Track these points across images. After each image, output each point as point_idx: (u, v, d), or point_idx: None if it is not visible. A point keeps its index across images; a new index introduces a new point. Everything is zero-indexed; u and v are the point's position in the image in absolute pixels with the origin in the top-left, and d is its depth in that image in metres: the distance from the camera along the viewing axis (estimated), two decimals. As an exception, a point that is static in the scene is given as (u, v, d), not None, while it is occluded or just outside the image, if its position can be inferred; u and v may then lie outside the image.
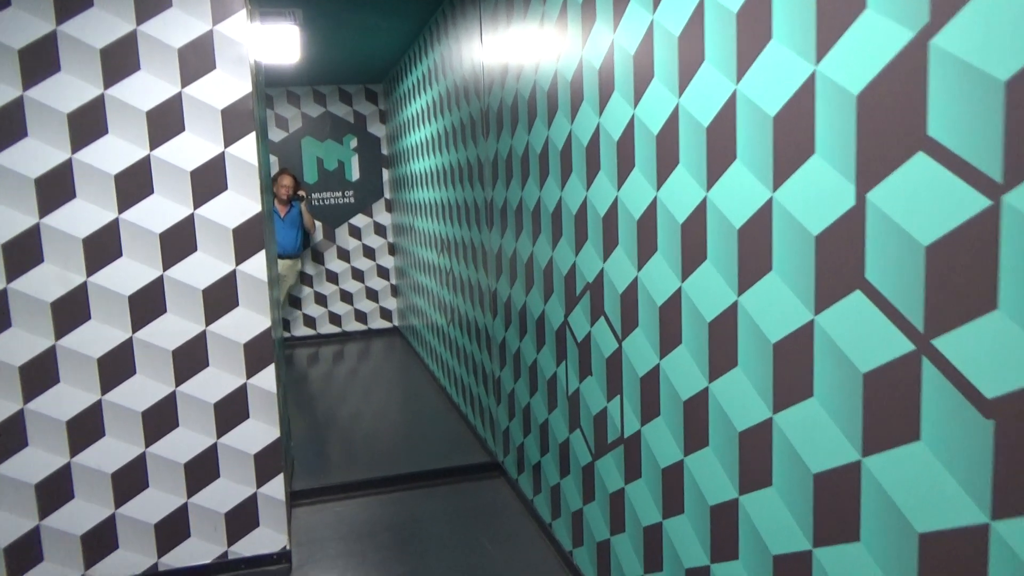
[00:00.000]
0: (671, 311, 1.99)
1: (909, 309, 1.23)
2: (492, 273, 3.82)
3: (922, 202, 1.19)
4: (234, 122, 2.85)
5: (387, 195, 7.95)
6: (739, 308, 1.69)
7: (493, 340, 3.90)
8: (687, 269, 1.89)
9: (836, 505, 1.43)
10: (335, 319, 7.97)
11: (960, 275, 1.13)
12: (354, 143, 7.83)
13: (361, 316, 8.06)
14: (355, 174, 7.87)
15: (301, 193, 7.03)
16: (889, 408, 1.28)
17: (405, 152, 6.56)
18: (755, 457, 1.68)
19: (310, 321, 7.86)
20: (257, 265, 2.92)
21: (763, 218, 1.57)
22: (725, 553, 1.83)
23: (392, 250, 7.99)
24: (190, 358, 2.90)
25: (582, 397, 2.67)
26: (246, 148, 2.86)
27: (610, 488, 2.48)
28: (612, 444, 2.43)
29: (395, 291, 8.04)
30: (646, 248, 2.09)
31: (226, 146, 2.85)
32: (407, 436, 4.60)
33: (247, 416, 2.98)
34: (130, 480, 2.91)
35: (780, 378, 1.56)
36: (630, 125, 2.13)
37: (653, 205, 2.03)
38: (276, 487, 3.05)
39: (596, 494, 2.61)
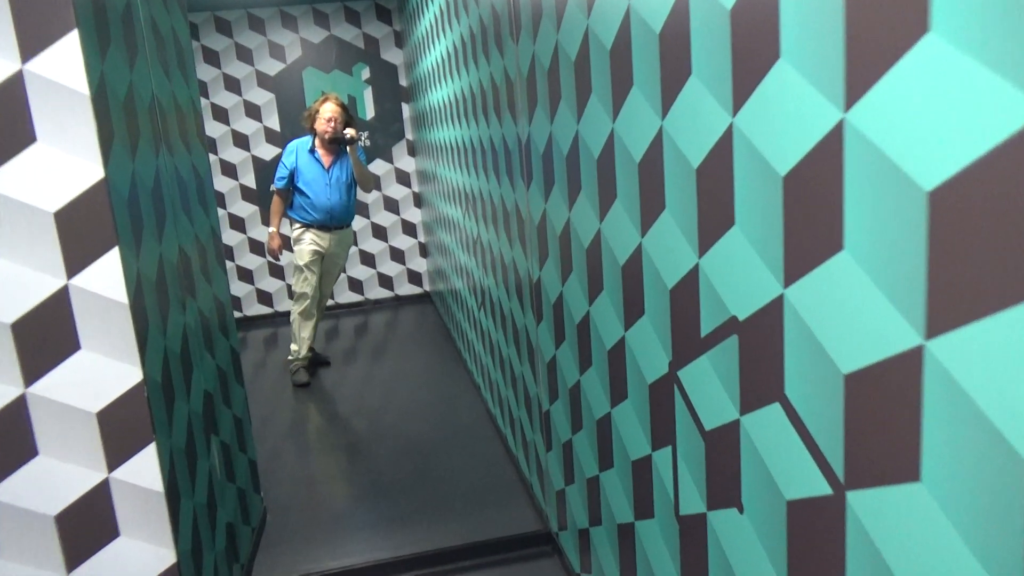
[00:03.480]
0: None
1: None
2: (532, 253, 2.47)
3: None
4: (35, 14, 1.52)
5: (408, 135, 6.58)
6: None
7: (537, 353, 2.58)
8: None
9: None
10: (355, 285, 6.74)
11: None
12: (366, 73, 6.44)
13: (386, 281, 6.82)
14: (369, 111, 6.50)
15: (352, 133, 4.44)
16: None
17: (423, 80, 5.16)
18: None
19: (326, 290, 6.65)
20: (107, 275, 1.63)
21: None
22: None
23: (418, 202, 6.66)
24: (2, 442, 1.66)
25: (714, 534, 1.34)
26: (65, 60, 1.55)
27: None
28: None
29: (424, 250, 6.75)
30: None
31: (24, 60, 1.54)
32: (428, 473, 3.35)
33: (115, 533, 1.74)
34: (-76, 647, 1.72)
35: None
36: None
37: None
38: (179, 641, 1.83)
39: None
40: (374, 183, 4.68)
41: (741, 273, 1.12)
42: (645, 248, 1.48)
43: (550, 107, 2.04)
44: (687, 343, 1.34)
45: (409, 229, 6.76)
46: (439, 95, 4.40)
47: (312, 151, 4.51)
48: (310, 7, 6.25)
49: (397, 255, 6.78)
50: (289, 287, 6.55)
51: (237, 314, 6.52)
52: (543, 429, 2.62)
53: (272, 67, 6.27)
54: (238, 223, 6.42)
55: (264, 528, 2.92)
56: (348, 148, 4.47)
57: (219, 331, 2.64)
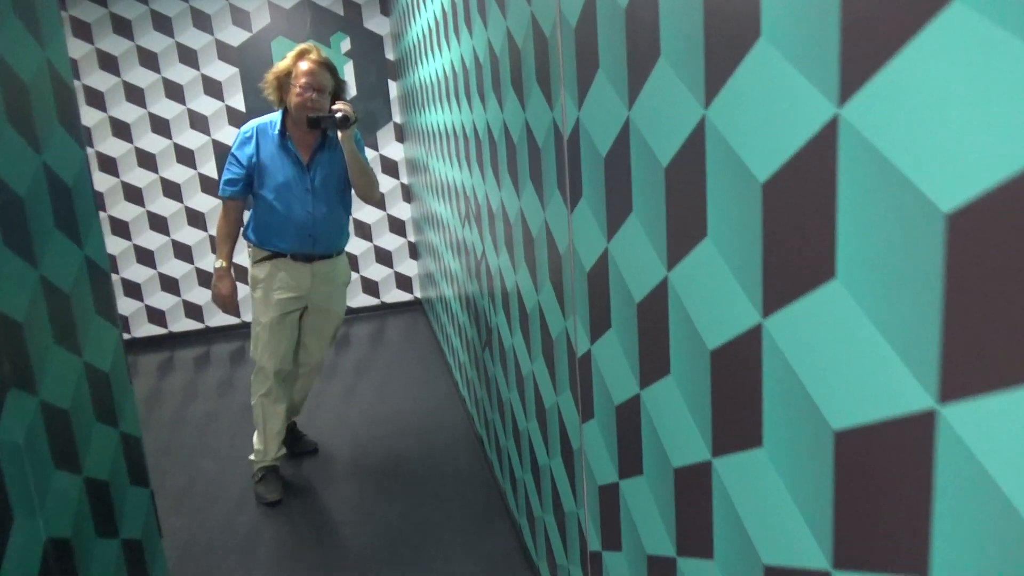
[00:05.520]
0: None
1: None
2: (578, 312, 1.57)
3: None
4: None
5: (396, 118, 5.65)
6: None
7: (581, 462, 1.69)
8: None
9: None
10: (335, 292, 5.82)
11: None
12: (346, 45, 5.50)
13: (371, 287, 5.91)
14: (351, 89, 5.56)
15: (346, 109, 2.76)
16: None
17: (413, 51, 4.23)
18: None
19: (301, 296, 5.74)
20: None
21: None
22: None
23: (408, 195, 5.75)
24: None
25: None
26: None
27: None
28: None
29: (414, 251, 5.85)
30: None
31: None
32: (418, 541, 2.48)
33: None
34: None
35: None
36: None
37: None
38: None
39: None
40: (379, 189, 3.04)
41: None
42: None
43: (629, 76, 1.13)
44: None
45: (397, 227, 5.84)
46: (432, 68, 3.48)
47: (283, 137, 2.85)
48: (280, -35, 5.30)
49: (383, 257, 5.87)
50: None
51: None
52: (576, 549, 1.74)
53: (235, 36, 5.31)
54: (196, 219, 5.49)
55: None
56: (340, 134, 2.81)
57: (99, 419, 1.74)
